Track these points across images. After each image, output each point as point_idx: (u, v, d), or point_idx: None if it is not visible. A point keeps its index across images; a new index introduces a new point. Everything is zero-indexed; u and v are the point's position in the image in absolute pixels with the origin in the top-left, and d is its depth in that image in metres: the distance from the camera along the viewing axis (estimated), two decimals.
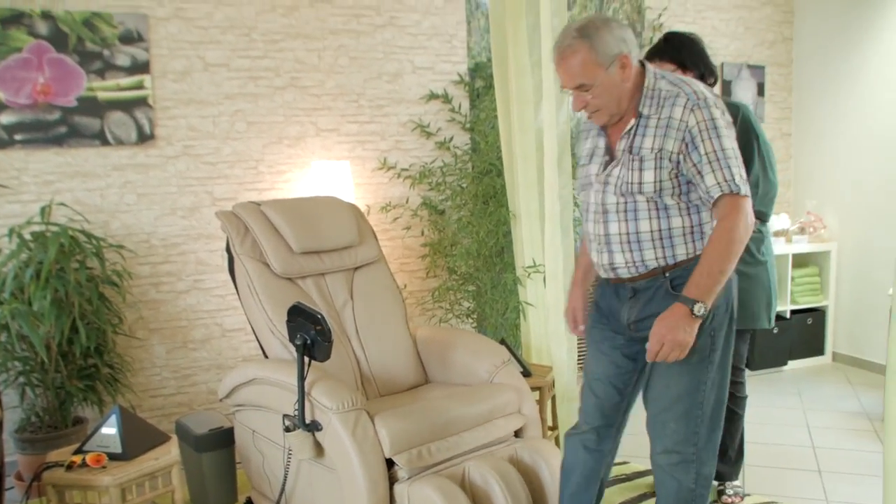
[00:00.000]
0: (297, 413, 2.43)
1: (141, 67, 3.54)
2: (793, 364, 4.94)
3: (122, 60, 3.50)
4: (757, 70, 5.12)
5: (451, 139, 4.21)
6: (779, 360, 4.88)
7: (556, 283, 3.34)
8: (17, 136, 3.36)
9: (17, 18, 3.31)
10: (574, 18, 4.41)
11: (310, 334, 2.38)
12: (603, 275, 2.18)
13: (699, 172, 1.97)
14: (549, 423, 3.33)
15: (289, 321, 2.44)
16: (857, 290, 4.93)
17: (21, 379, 3.18)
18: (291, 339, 2.43)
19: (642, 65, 2.06)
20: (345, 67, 3.97)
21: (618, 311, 2.16)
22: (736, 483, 3.04)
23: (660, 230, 2.04)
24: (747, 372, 4.68)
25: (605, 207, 2.08)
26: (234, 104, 3.76)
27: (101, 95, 3.47)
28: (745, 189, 1.97)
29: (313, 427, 2.43)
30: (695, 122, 1.96)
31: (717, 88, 4.97)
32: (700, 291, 1.95)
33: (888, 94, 4.63)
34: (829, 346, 5.08)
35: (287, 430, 2.46)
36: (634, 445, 3.18)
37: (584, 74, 1.98)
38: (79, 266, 3.20)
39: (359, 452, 2.33)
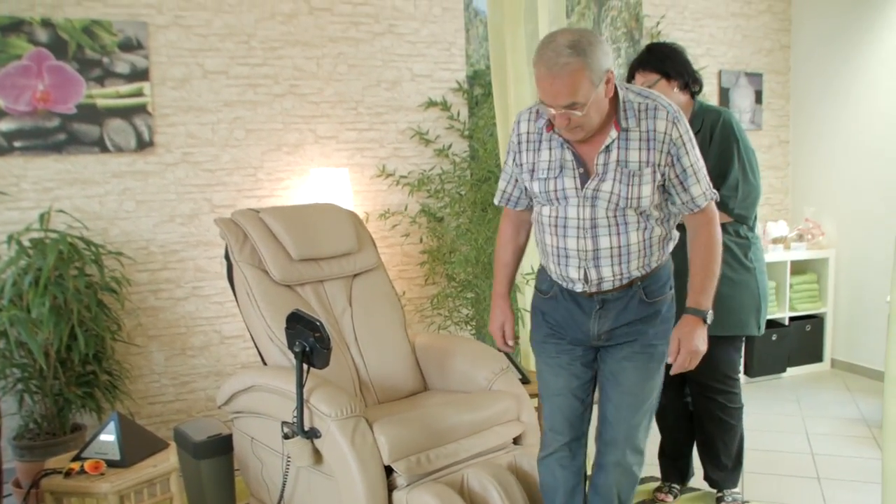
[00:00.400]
0: (295, 420, 2.43)
1: (140, 75, 3.55)
2: (791, 371, 4.95)
3: (122, 68, 3.51)
4: (755, 77, 5.13)
5: (450, 146, 4.22)
6: (777, 367, 4.89)
7: None
8: (17, 143, 3.36)
9: (17, 26, 3.32)
10: (572, 26, 4.44)
11: (308, 341, 2.38)
12: (578, 289, 2.14)
13: (682, 183, 2.06)
14: None
15: (287, 328, 2.44)
16: (855, 297, 4.94)
17: (19, 386, 3.18)
18: (290, 347, 2.43)
19: None
20: (343, 75, 3.98)
21: (581, 323, 2.18)
22: (735, 490, 3.04)
23: (644, 241, 2.10)
24: (746, 379, 4.75)
25: (594, 222, 2.06)
26: (232, 111, 3.76)
27: (101, 103, 3.48)
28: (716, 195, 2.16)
29: (312, 434, 2.43)
30: (678, 134, 2.02)
31: (715, 97, 5.00)
32: (707, 300, 2.11)
33: (886, 101, 4.65)
34: (827, 352, 5.09)
35: (286, 437, 2.46)
36: None
37: (579, 93, 1.89)
38: (77, 273, 3.20)
39: (357, 459, 2.33)
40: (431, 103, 4.17)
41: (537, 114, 2.13)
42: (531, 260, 3.57)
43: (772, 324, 4.79)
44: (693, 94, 2.84)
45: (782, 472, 3.42)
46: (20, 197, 3.41)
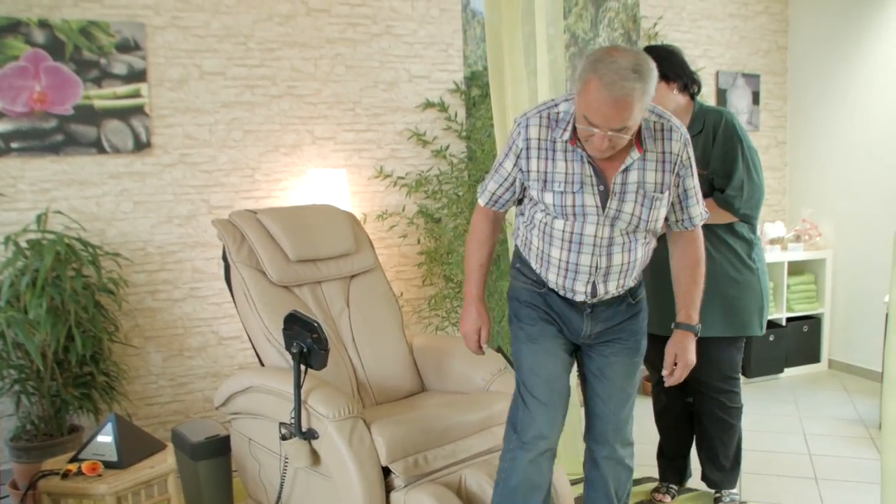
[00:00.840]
0: (293, 421, 2.43)
1: (137, 76, 3.54)
2: (789, 371, 4.95)
3: (119, 69, 3.51)
4: (752, 78, 5.14)
5: (448, 147, 4.22)
6: (775, 368, 4.89)
7: None
8: (14, 145, 3.36)
9: (13, 27, 3.32)
10: (570, 28, 4.45)
11: (306, 342, 2.38)
12: (579, 299, 2.14)
13: (682, 202, 2.12)
14: None
15: (285, 329, 2.44)
16: (852, 298, 4.94)
17: (16, 387, 3.17)
18: (288, 348, 2.43)
19: None
20: (341, 76, 3.98)
21: (574, 322, 2.20)
22: (733, 491, 3.04)
23: (646, 255, 2.17)
24: (744, 380, 4.75)
25: (611, 240, 2.06)
26: (230, 112, 3.76)
27: (98, 104, 3.48)
28: None
29: (310, 435, 2.43)
30: (687, 156, 2.06)
31: (713, 98, 5.00)
32: (697, 314, 2.19)
33: (883, 102, 4.66)
34: (824, 353, 5.09)
35: (283, 438, 2.46)
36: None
37: (633, 118, 1.83)
38: (75, 274, 3.20)
39: (355, 460, 2.33)
40: (429, 104, 4.18)
41: (549, 119, 2.04)
42: None
43: (769, 324, 4.78)
44: (692, 96, 2.85)
45: (780, 473, 3.42)
46: (17, 198, 3.41)
